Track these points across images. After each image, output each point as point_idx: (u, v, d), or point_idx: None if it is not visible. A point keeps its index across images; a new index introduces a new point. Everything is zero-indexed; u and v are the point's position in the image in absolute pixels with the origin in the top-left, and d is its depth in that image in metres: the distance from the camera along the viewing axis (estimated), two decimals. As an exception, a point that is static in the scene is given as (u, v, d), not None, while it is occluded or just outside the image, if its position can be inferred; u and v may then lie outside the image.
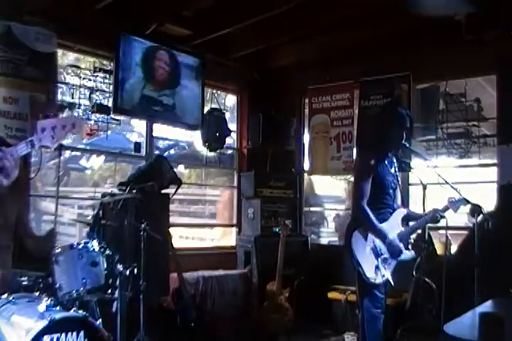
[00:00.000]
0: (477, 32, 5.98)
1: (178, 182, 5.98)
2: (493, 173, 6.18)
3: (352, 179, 7.79)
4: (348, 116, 7.42)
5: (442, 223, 4.78)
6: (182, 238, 8.27)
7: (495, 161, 6.22)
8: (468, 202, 4.46)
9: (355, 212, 4.33)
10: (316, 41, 7.08)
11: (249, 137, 7.78)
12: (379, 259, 4.18)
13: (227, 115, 7.57)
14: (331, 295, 6.66)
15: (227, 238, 8.09)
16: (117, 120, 6.26)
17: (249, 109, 7.93)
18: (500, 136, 6.16)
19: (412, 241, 4.89)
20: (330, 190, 9.31)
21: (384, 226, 4.27)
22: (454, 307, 4.24)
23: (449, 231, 6.01)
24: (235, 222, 7.86)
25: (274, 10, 6.09)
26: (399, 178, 4.58)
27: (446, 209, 4.45)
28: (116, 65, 6.13)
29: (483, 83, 6.97)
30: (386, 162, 4.39)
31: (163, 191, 5.91)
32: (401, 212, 4.44)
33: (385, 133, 4.37)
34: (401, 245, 4.28)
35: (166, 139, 7.39)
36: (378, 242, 4.22)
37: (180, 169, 7.83)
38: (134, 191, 5.13)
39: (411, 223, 4.61)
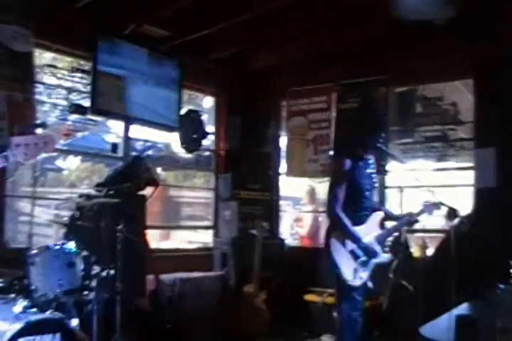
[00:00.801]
0: (455, 36, 5.95)
1: (155, 183, 5.90)
2: (470, 177, 6.17)
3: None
4: (325, 119, 7.41)
5: (419, 226, 4.86)
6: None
7: (472, 165, 6.20)
8: (444, 205, 4.49)
9: (329, 217, 4.33)
10: (294, 44, 7.05)
11: (226, 139, 7.74)
12: (357, 262, 4.18)
13: (205, 117, 7.54)
14: (308, 297, 6.64)
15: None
16: (95, 121, 6.23)
17: (227, 110, 7.89)
18: (476, 140, 6.17)
19: (389, 243, 4.98)
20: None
21: (361, 229, 4.26)
22: (431, 309, 4.23)
23: (426, 234, 6.12)
24: (212, 223, 7.82)
25: (252, 12, 6.07)
26: (375, 180, 4.57)
27: (421, 212, 4.51)
28: (94, 65, 6.05)
29: (460, 87, 6.96)
30: (362, 164, 4.37)
31: (140, 192, 5.81)
32: (378, 215, 4.44)
33: (360, 134, 4.38)
34: (377, 248, 4.29)
35: (144, 140, 7.35)
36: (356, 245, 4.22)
37: (158, 170, 7.80)
38: (111, 192, 5.13)
39: (388, 224, 4.65)
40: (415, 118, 6.80)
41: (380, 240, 4.37)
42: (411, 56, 6.45)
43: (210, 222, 7.93)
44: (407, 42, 6.36)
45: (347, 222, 4.19)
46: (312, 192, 8.37)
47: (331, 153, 7.21)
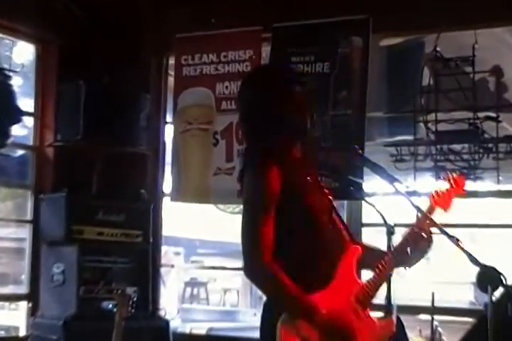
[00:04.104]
0: None
1: None
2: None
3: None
4: (250, 93, 6.93)
5: (426, 301, 5.06)
6: None
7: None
8: (475, 261, 3.67)
9: (252, 277, 3.70)
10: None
11: (58, 126, 7.19)
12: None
13: (18, 81, 7.14)
14: None
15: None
16: None
17: (60, 71, 7.40)
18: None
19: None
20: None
21: (323, 296, 3.59)
22: None
23: (438, 317, 5.90)
24: (26, 290, 7.30)
25: None
26: (338, 206, 4.27)
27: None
28: None
29: (508, 39, 6.83)
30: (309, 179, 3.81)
31: None
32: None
33: (302, 118, 3.80)
34: None
35: None
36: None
37: None
38: None
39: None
40: (420, 96, 6.69)
41: None
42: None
43: (22, 286, 7.54)
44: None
45: (288, 283, 3.51)
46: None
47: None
